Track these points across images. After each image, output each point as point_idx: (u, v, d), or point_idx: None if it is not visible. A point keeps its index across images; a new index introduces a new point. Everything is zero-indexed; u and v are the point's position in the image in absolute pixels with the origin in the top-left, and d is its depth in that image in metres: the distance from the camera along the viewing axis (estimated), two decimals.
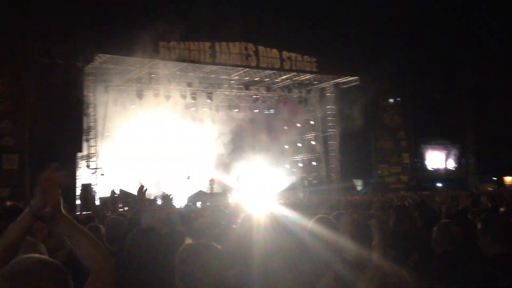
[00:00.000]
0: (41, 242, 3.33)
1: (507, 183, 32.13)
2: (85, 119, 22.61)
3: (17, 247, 2.55)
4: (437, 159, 33.66)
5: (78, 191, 21.25)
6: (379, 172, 29.83)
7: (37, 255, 2.01)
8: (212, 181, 26.32)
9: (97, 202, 21.85)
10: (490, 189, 25.68)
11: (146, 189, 5.42)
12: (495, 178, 32.55)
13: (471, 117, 32.69)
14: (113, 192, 22.77)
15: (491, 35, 30.04)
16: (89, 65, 22.38)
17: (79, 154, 22.31)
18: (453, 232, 4.30)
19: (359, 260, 3.34)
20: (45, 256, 2.02)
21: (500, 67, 29.83)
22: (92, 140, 23.13)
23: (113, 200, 21.69)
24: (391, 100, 30.45)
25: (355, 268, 3.13)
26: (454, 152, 34.30)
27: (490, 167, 31.33)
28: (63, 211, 2.45)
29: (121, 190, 23.14)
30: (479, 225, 3.79)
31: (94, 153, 23.06)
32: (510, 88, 29.87)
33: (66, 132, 20.56)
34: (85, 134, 22.61)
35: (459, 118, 32.99)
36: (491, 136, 30.65)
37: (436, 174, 33.26)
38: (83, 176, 22.64)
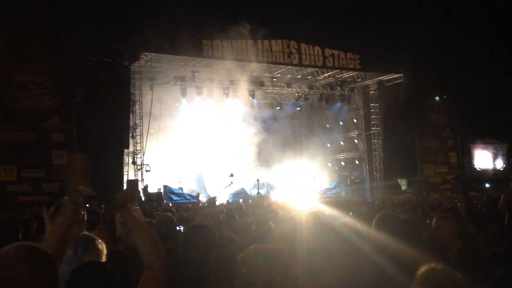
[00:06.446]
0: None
1: None
2: (131, 116, 23.11)
3: (66, 236, 2.76)
4: (484, 159, 32.66)
5: (125, 187, 21.70)
6: (424, 171, 29.12)
7: (28, 242, 1.98)
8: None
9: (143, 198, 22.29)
10: None
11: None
12: None
13: None
14: (156, 190, 23.12)
15: None
16: (134, 64, 22.86)
17: (126, 151, 22.81)
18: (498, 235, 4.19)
19: (412, 262, 3.32)
20: (32, 243, 1.97)
21: None
22: (138, 137, 23.61)
23: (157, 197, 22.07)
24: (437, 98, 29.66)
25: (407, 270, 3.10)
26: (502, 151, 33.21)
27: None
28: (130, 206, 2.56)
29: (165, 186, 23.50)
30: None
31: (139, 150, 23.54)
32: None
33: (113, 129, 21.09)
34: (131, 131, 23.10)
35: (507, 117, 31.88)
36: None
37: (484, 175, 32.24)
38: (129, 172, 23.20)
